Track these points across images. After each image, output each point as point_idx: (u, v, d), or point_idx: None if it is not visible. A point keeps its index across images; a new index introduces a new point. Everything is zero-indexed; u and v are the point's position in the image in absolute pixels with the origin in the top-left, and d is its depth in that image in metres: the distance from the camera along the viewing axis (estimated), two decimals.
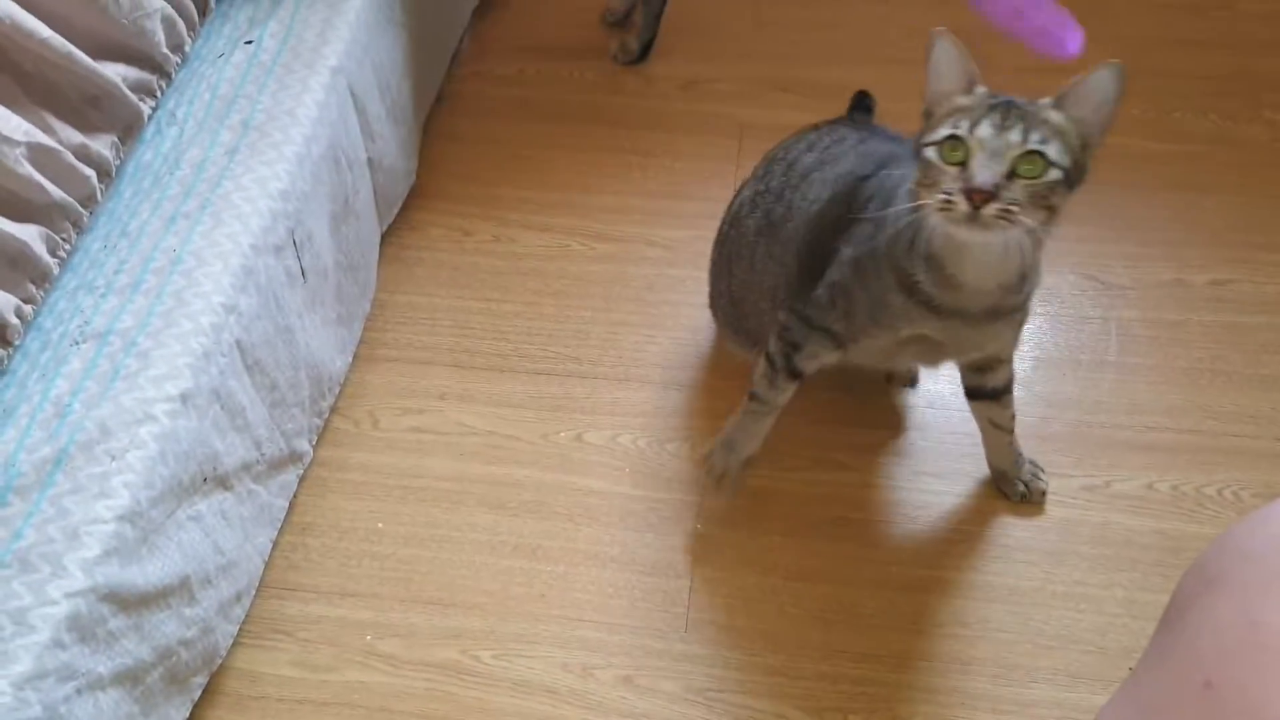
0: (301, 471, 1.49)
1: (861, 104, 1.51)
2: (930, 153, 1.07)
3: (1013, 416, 1.45)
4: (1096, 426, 1.57)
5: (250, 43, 1.52)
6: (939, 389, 1.62)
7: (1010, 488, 1.50)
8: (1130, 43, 2.05)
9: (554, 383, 1.65)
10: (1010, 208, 1.03)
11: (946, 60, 1.10)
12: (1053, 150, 1.04)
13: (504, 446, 1.58)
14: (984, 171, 1.03)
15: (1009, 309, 1.22)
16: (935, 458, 1.55)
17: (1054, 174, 1.04)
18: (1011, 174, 1.04)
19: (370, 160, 1.64)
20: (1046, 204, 1.06)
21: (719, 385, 1.63)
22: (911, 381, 1.61)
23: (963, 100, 1.09)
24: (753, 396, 1.42)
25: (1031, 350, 1.66)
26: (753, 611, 1.41)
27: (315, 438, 1.52)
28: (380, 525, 1.50)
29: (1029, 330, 1.66)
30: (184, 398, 1.17)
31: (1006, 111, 1.05)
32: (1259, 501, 1.48)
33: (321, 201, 1.48)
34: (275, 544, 1.44)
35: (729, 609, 1.42)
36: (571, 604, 1.42)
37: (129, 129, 1.36)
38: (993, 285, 1.17)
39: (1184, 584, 0.67)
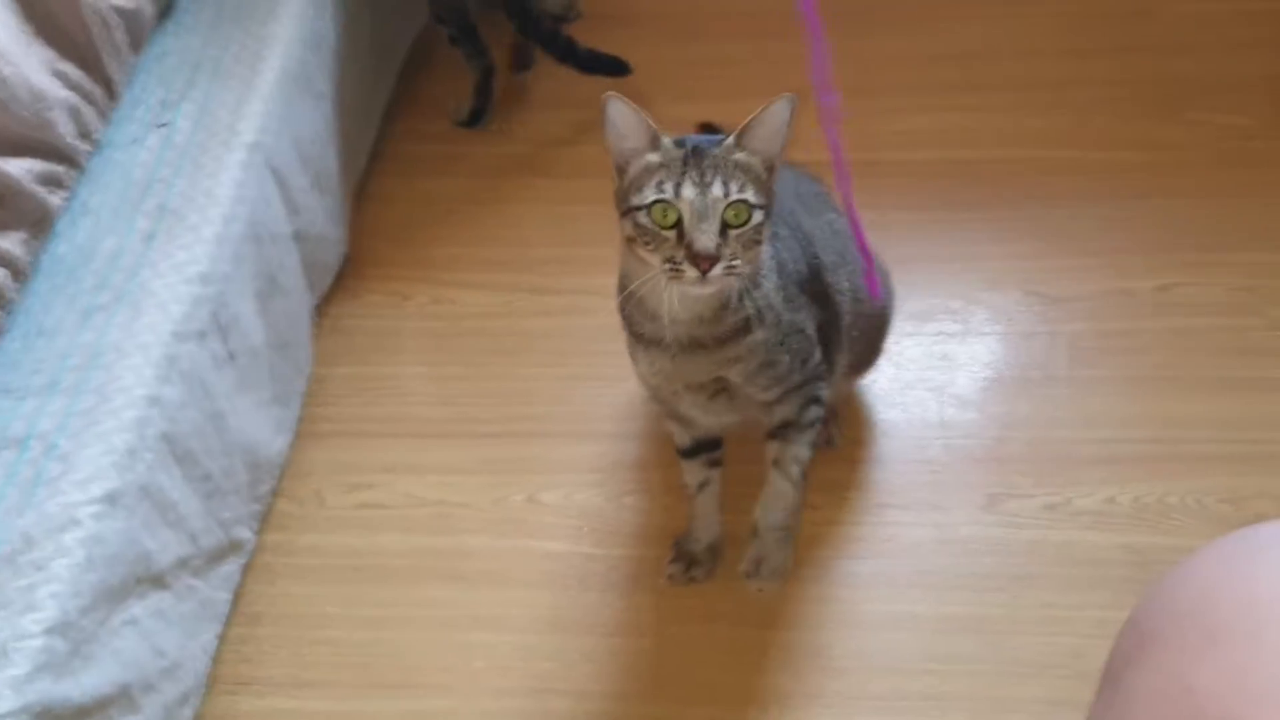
0: (244, 560, 1.44)
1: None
2: (642, 217, 1.08)
3: (796, 464, 1.35)
4: (1053, 443, 1.56)
5: (164, 125, 1.49)
6: (892, 416, 1.60)
7: (749, 552, 1.42)
8: (1049, 54, 2.08)
9: (504, 445, 1.61)
10: (733, 263, 1.07)
11: (624, 121, 1.10)
12: (751, 194, 1.07)
13: (456, 515, 1.54)
14: (703, 237, 1.06)
15: (714, 336, 1.20)
16: (895, 489, 1.53)
17: (757, 215, 1.08)
18: (723, 228, 1.07)
19: (296, 233, 1.60)
20: (756, 243, 1.10)
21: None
22: (827, 440, 1.57)
23: (654, 158, 1.10)
24: (685, 484, 1.43)
25: (982, 371, 1.64)
26: (723, 665, 1.38)
27: (257, 523, 1.48)
28: (333, 609, 1.45)
29: (979, 351, 1.65)
30: (110, 498, 1.13)
31: (700, 164, 1.07)
32: (1224, 508, 1.47)
33: (245, 281, 1.44)
34: (222, 639, 1.39)
35: (698, 665, 1.38)
36: (537, 675, 1.38)
37: (39, 224, 1.32)
38: (690, 312, 1.17)
39: (1120, 642, 0.65)
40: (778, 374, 1.25)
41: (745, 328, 1.19)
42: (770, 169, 1.11)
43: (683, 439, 1.40)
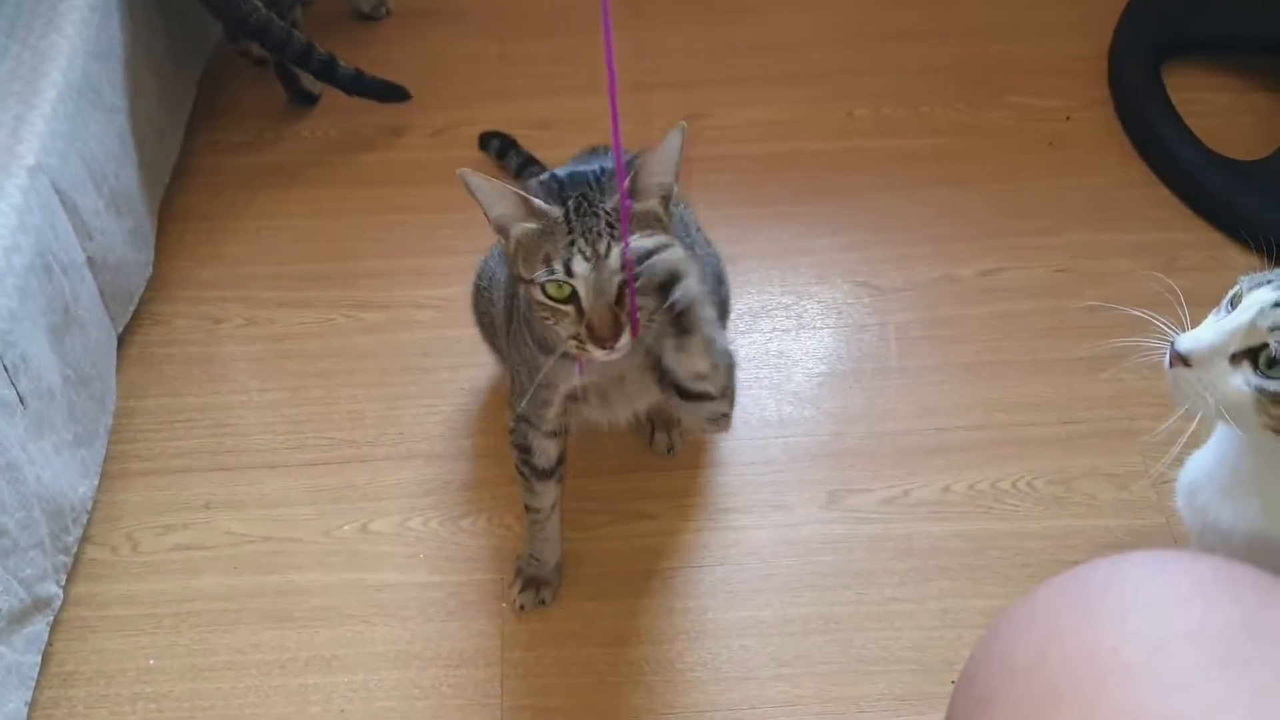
0: (52, 618, 1.34)
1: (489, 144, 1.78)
2: (537, 293, 1.03)
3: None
4: (888, 436, 1.56)
5: None
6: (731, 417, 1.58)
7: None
8: (870, 41, 2.10)
9: (331, 472, 1.53)
10: (639, 320, 1.03)
11: (486, 195, 1.04)
12: (649, 243, 0.99)
13: (283, 551, 1.46)
14: (601, 320, 1.02)
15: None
16: (735, 491, 1.51)
17: (658, 267, 1.00)
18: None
19: (91, 260, 1.49)
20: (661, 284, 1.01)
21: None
22: (668, 448, 1.54)
23: (532, 226, 1.03)
24: (527, 508, 1.36)
25: (815, 366, 1.64)
26: (571, 688, 1.34)
27: (64, 576, 1.37)
28: (153, 661, 1.36)
29: (813, 346, 1.65)
30: None
31: (588, 226, 1.01)
32: (1055, 489, 1.50)
33: (34, 317, 1.33)
34: (32, 703, 1.29)
35: (546, 690, 1.34)
36: (375, 715, 1.32)
37: None
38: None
39: (956, 703, 0.63)
40: None
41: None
42: (667, 198, 1.07)
43: (552, 456, 1.30)
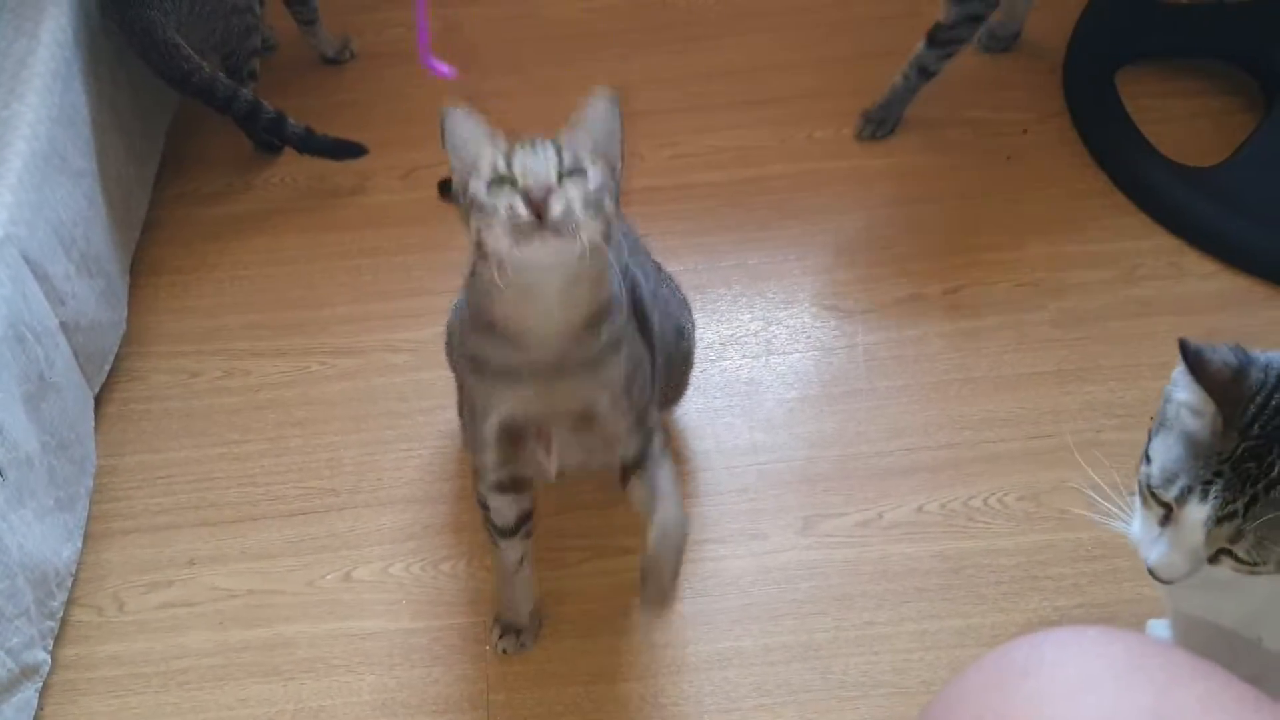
0: (41, 684, 1.35)
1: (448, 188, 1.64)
2: (480, 195, 1.05)
3: (667, 479, 1.26)
4: (861, 458, 1.59)
5: None
6: (705, 447, 1.61)
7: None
8: (827, 63, 2.12)
9: (312, 522, 1.55)
10: (571, 209, 1.02)
11: (464, 130, 1.08)
12: (587, 159, 1.05)
13: (268, 604, 1.47)
14: (535, 179, 1.02)
15: (585, 357, 1.16)
16: (713, 522, 1.53)
17: (595, 178, 1.05)
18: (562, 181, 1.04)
19: (64, 325, 1.51)
20: (600, 209, 1.05)
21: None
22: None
23: (489, 151, 1.07)
24: (501, 566, 1.37)
25: (786, 391, 1.66)
26: None
27: (51, 642, 1.39)
28: None
29: (782, 371, 1.68)
30: None
31: (533, 141, 1.06)
32: (1026, 505, 1.52)
33: (9, 388, 1.35)
34: None
35: None
36: None
37: None
38: (561, 321, 1.12)
39: None
40: (631, 401, 1.22)
41: (615, 347, 1.17)
42: (614, 171, 1.09)
43: (508, 515, 1.30)
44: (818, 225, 1.88)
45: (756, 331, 1.74)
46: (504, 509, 1.29)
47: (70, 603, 1.46)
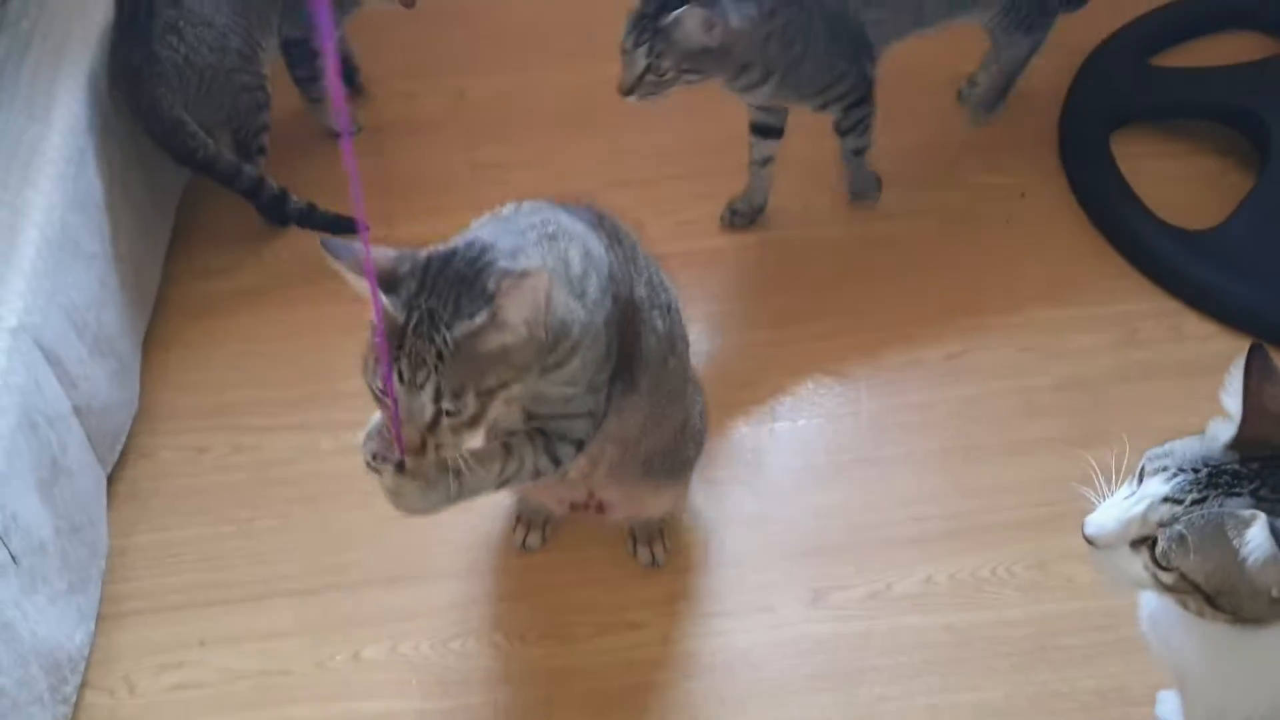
0: None
1: None
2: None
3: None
4: (869, 528, 1.59)
5: None
6: (713, 519, 1.61)
7: None
8: (827, 129, 2.12)
9: (322, 600, 1.56)
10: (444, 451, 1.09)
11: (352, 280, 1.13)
12: (467, 402, 1.06)
13: (277, 685, 1.48)
14: (408, 436, 1.08)
15: None
16: (722, 594, 1.54)
17: (469, 411, 1.07)
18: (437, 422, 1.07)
19: (77, 409, 1.52)
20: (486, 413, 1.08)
21: (497, 565, 1.58)
22: (651, 561, 1.56)
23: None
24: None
25: (792, 460, 1.68)
26: None
27: None
28: None
29: (788, 440, 1.69)
30: None
31: (416, 354, 1.06)
32: (1033, 574, 1.53)
33: (23, 476, 1.36)
34: None
35: None
36: None
37: None
38: None
39: None
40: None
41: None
42: (554, 347, 1.09)
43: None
44: (820, 292, 1.89)
45: (761, 400, 1.75)
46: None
47: (83, 687, 1.46)
